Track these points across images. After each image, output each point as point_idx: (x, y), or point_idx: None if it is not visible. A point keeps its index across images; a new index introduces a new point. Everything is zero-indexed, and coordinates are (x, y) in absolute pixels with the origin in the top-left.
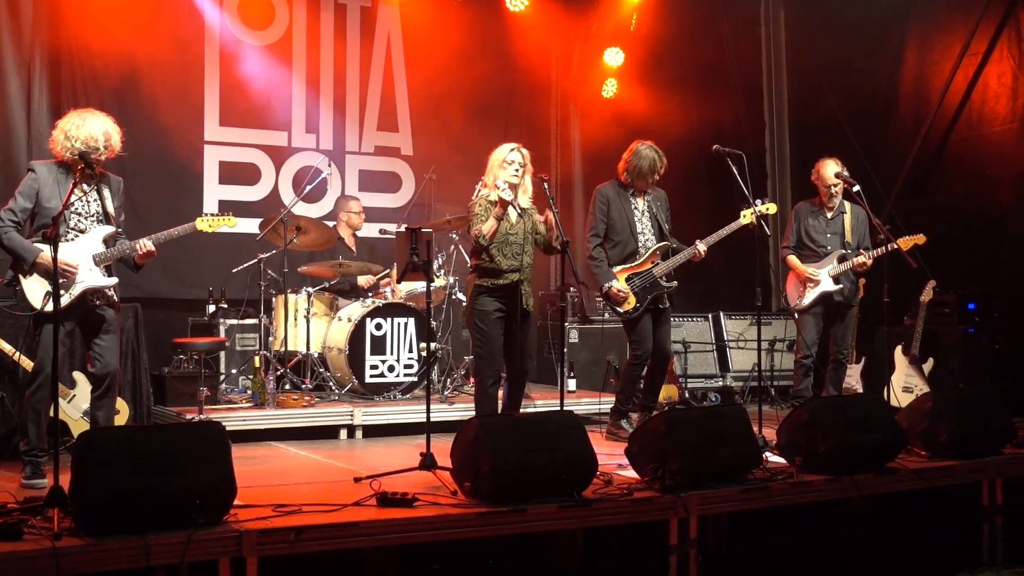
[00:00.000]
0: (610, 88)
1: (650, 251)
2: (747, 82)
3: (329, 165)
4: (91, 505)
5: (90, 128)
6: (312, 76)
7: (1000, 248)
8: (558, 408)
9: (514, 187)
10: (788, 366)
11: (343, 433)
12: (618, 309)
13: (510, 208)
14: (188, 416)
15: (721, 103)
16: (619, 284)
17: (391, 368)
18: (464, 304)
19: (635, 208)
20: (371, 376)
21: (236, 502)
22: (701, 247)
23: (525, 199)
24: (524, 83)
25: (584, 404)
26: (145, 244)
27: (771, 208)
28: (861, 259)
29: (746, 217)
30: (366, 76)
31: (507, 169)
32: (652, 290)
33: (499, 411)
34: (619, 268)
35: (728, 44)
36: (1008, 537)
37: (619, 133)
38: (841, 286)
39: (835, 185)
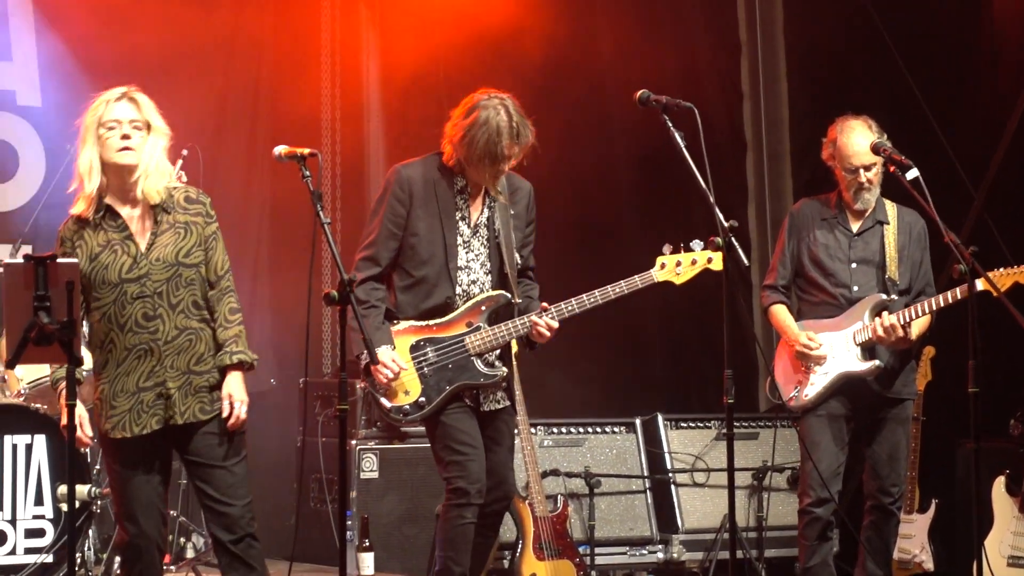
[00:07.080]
0: None
1: (472, 302)
2: None
3: None
4: None
5: None
6: None
7: None
8: None
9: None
10: (790, 520)
11: None
12: (382, 400)
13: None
14: None
15: (656, 12)
16: (390, 354)
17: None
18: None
19: (462, 218)
20: None
21: None
22: (544, 321)
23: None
24: None
25: None
26: None
27: (714, 262)
28: (890, 320)
29: (661, 269)
30: None
31: (110, 139)
32: (457, 377)
33: None
34: (405, 326)
35: None
36: None
37: (458, 63)
38: (878, 362)
39: (867, 167)
